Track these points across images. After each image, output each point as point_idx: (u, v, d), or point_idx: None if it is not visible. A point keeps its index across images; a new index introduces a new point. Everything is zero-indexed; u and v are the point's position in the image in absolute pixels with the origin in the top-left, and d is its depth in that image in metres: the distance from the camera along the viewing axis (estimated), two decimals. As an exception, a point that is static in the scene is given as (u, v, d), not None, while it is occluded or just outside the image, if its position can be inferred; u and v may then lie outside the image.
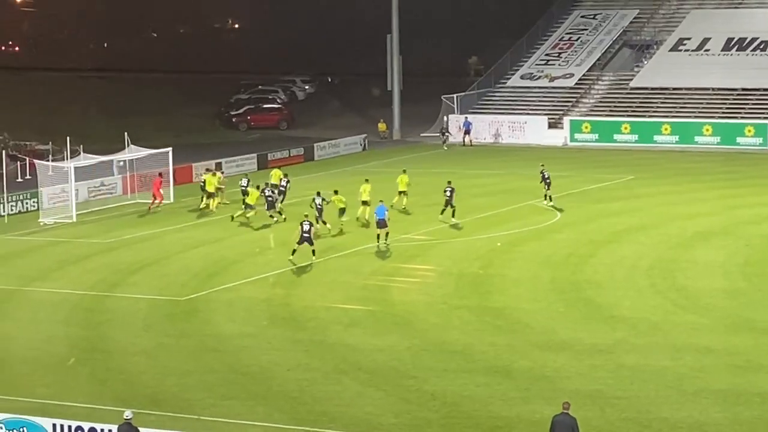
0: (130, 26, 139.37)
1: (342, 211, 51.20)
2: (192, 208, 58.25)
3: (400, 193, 55.87)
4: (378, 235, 48.15)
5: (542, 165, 57.99)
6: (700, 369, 32.59)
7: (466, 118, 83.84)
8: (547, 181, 56.32)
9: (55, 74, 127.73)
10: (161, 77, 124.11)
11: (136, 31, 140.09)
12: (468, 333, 36.42)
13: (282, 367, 33.33)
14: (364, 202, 52.16)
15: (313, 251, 45.28)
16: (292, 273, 44.30)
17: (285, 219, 53.03)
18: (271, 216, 53.09)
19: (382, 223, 47.78)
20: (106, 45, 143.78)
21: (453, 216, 52.58)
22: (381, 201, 48.98)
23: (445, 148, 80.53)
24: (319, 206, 50.41)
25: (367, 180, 53.85)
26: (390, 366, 33.28)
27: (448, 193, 52.42)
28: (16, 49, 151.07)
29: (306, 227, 44.96)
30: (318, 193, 50.94)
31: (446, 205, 52.60)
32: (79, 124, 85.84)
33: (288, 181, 57.28)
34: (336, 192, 51.74)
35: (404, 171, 57.21)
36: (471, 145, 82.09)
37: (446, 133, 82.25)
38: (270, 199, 53.34)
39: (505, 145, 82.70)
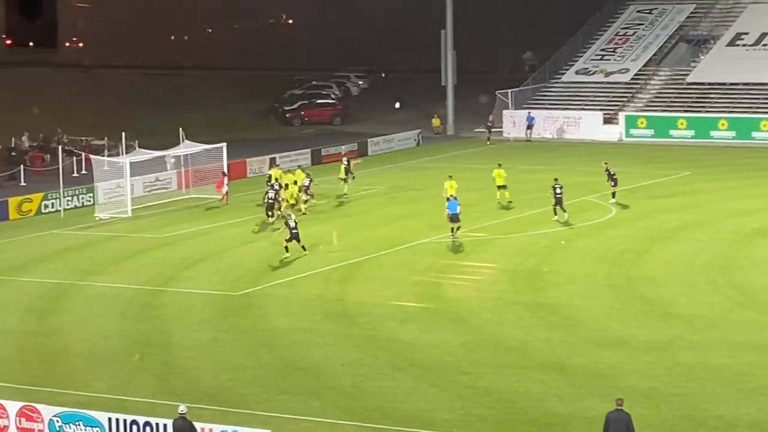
0: (186, 24, 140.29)
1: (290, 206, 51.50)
2: (253, 203, 57.94)
3: (499, 187, 54.76)
4: (452, 229, 47.89)
5: (605, 162, 57.06)
6: (759, 366, 32.22)
7: (529, 113, 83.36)
8: (614, 178, 55.63)
9: (112, 71, 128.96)
10: (216, 73, 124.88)
11: (191, 28, 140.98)
12: (522, 329, 36.26)
13: (336, 362, 33.33)
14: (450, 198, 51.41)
15: (303, 246, 45.34)
16: (346, 269, 44.30)
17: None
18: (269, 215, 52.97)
19: (455, 218, 47.70)
20: (163, 42, 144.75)
21: (564, 212, 51.29)
22: (453, 196, 48.84)
23: (489, 143, 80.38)
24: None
25: (450, 176, 52.78)
26: (444, 362, 33.19)
27: (558, 191, 50.89)
28: (80, 45, 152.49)
29: (292, 224, 45.10)
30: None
31: (557, 204, 51.06)
32: (136, 119, 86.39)
33: (353, 176, 57.82)
34: (286, 186, 52.58)
35: (499, 165, 55.79)
36: (530, 141, 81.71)
37: (491, 128, 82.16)
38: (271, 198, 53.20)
39: (560, 141, 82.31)
